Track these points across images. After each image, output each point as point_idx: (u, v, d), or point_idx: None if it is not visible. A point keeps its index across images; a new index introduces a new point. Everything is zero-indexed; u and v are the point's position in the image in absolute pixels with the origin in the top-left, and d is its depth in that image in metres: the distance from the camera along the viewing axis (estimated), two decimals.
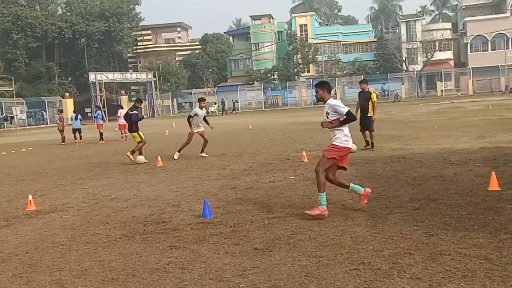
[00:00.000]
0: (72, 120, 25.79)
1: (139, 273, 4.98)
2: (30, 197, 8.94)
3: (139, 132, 14.69)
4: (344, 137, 7.01)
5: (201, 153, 14.92)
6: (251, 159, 13.55)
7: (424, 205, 6.92)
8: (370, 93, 13.74)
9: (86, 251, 5.88)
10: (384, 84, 66.90)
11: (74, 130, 24.93)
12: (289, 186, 9.07)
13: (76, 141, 24.59)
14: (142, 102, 16.29)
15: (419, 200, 7.23)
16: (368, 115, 13.56)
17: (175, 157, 14.60)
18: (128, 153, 14.60)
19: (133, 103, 15.60)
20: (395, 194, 7.72)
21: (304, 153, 12.67)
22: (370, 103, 13.61)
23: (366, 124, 13.61)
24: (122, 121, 25.17)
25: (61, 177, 12.70)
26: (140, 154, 14.45)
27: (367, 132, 13.68)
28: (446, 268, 4.51)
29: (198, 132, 14.72)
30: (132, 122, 14.66)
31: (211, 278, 4.70)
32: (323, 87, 7.07)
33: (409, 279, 4.32)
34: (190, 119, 14.67)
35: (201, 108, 14.79)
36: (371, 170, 10.24)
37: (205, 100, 15.40)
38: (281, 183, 9.49)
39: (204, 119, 14.95)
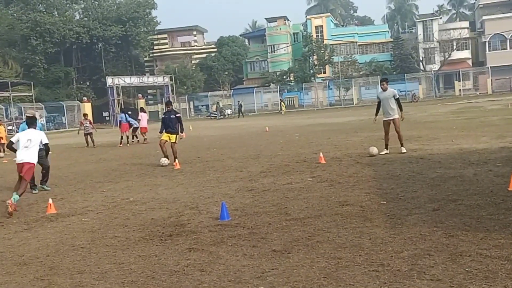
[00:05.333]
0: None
1: (158, 276, 5.01)
2: (50, 200, 9.05)
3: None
4: None
5: (401, 147, 12.94)
6: (268, 161, 13.54)
7: (443, 205, 6.85)
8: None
9: (105, 254, 5.94)
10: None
11: (135, 129, 25.54)
12: (307, 188, 9.05)
13: (133, 140, 25.31)
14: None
15: (438, 201, 7.17)
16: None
17: (382, 153, 12.79)
18: (174, 163, 14.24)
19: (167, 108, 15.26)
20: (414, 195, 7.66)
21: (321, 155, 12.63)
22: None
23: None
24: (143, 124, 25.36)
25: (80, 180, 12.82)
26: (166, 156, 14.62)
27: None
28: (467, 269, 4.46)
29: (388, 119, 12.92)
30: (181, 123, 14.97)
31: (230, 280, 4.71)
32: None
33: (429, 280, 4.28)
34: (379, 105, 13.17)
35: (384, 90, 13.03)
36: (389, 171, 10.17)
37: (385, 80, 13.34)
38: (299, 184, 9.47)
39: (398, 101, 12.94)
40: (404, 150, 12.77)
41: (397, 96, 13.02)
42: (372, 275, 4.52)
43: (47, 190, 11.51)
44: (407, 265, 4.68)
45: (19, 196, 9.18)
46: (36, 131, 10.23)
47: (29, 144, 9.73)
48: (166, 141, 14.68)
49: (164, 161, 14.33)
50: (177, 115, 15.11)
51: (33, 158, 9.70)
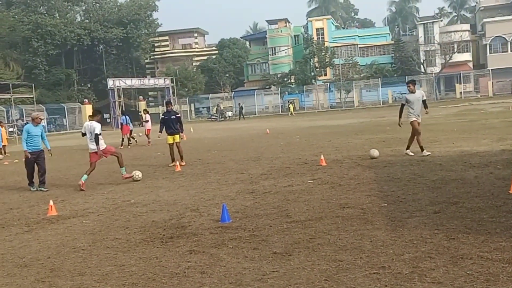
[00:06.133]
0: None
1: (159, 278, 5.01)
2: (51, 202, 9.06)
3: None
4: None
5: (408, 149, 12.84)
6: (269, 163, 13.54)
7: (444, 208, 6.85)
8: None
9: (106, 256, 5.94)
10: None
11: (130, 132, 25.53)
12: (307, 190, 9.04)
13: (131, 142, 25.25)
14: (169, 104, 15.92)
15: (439, 203, 7.16)
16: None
17: (426, 154, 12.36)
18: (181, 162, 14.59)
19: (167, 107, 15.38)
20: (415, 198, 7.66)
21: (322, 157, 12.63)
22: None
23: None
24: (148, 125, 25.41)
25: None
26: (173, 160, 14.80)
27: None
28: (468, 272, 4.46)
29: (416, 120, 12.64)
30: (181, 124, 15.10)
31: (231, 282, 4.71)
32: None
33: (430, 283, 4.28)
34: (403, 107, 12.87)
35: (412, 91, 12.73)
36: (390, 173, 10.16)
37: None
38: (299, 187, 9.47)
39: (425, 103, 12.97)
40: (411, 153, 12.62)
41: (425, 98, 12.99)
42: (373, 277, 4.52)
43: (44, 191, 11.70)
44: (408, 268, 4.67)
45: (123, 167, 12.21)
46: (92, 122, 11.88)
47: (89, 136, 11.80)
48: (173, 143, 14.80)
49: (137, 176, 12.39)
50: (177, 115, 15.20)
51: (101, 145, 11.79)
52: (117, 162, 12.35)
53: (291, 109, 59.34)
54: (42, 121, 13.24)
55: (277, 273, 4.86)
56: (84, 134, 12.20)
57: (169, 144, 14.91)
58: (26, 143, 11.95)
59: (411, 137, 12.80)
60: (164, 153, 17.28)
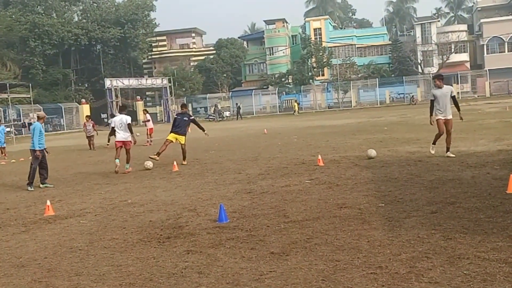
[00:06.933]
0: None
1: (156, 278, 5.01)
2: (48, 202, 9.04)
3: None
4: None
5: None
6: (266, 163, 13.54)
7: (441, 208, 6.85)
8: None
9: (103, 256, 5.93)
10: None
11: None
12: (305, 190, 9.05)
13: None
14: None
15: (436, 203, 7.17)
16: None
17: (432, 151, 12.21)
18: (183, 161, 14.89)
19: (182, 109, 15.97)
20: (412, 198, 7.66)
21: (319, 157, 12.63)
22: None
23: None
24: (150, 124, 25.35)
25: (78, 182, 12.82)
26: (158, 154, 14.90)
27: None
28: (465, 272, 4.46)
29: (443, 119, 11.93)
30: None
31: (228, 282, 4.71)
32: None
33: (427, 283, 4.28)
34: (433, 103, 12.09)
35: (439, 87, 12.00)
36: (387, 173, 10.17)
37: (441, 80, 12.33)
38: (297, 187, 9.47)
39: (454, 99, 12.15)
40: (452, 155, 11.83)
41: (454, 94, 12.15)
42: (370, 277, 4.52)
43: (50, 187, 12.19)
44: (405, 268, 4.68)
45: (128, 163, 14.09)
46: (125, 116, 14.16)
47: (121, 126, 13.91)
48: (172, 141, 14.87)
49: (149, 164, 14.28)
50: (190, 117, 15.55)
51: (128, 136, 14.08)
52: (126, 157, 14.08)
53: (296, 107, 58.79)
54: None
55: (275, 273, 4.86)
56: (113, 128, 14.05)
57: (167, 139, 14.94)
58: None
59: (446, 138, 11.97)
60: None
